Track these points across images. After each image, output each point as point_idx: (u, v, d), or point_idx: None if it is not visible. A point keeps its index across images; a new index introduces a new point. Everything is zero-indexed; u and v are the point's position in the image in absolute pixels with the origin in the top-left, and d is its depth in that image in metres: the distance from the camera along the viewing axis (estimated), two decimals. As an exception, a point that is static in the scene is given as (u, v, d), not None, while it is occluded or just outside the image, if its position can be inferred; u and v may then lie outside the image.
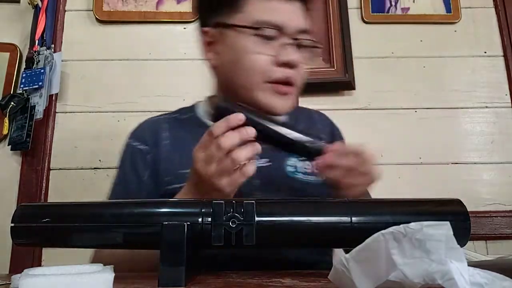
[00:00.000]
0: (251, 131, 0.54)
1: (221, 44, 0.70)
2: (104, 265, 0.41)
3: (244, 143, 0.54)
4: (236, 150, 0.53)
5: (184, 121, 0.78)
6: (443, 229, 0.27)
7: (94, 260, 0.69)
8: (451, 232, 0.27)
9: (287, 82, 0.67)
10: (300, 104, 1.29)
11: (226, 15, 0.68)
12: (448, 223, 0.27)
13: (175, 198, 0.60)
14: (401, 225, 0.28)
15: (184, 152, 0.71)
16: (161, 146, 0.73)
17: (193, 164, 0.57)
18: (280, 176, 0.72)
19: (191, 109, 0.81)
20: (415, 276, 0.27)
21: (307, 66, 0.70)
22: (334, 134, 0.82)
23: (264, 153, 0.69)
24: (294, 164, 0.74)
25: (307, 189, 0.72)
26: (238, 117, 0.54)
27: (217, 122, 0.54)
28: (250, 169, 0.54)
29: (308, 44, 0.69)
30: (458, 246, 0.26)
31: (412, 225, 0.28)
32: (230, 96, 0.71)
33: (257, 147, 0.55)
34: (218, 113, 0.56)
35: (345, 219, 0.45)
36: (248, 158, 0.53)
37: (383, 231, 0.29)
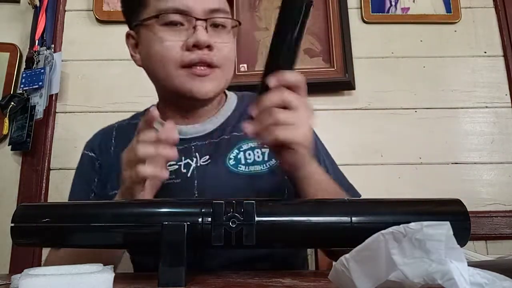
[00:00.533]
0: (171, 140, 0.54)
1: (140, 43, 0.71)
2: None
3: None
4: (142, 164, 0.53)
5: (134, 126, 0.77)
6: (443, 229, 0.27)
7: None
8: (451, 232, 0.27)
9: (203, 64, 0.65)
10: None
11: (139, 14, 0.69)
12: (448, 223, 0.27)
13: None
14: (401, 225, 0.28)
15: None
16: (107, 154, 0.75)
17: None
18: (219, 173, 0.70)
19: (144, 113, 0.80)
20: (415, 276, 0.27)
21: (228, 45, 0.69)
22: None
23: (204, 151, 0.71)
24: (236, 156, 0.71)
25: (253, 181, 0.69)
26: (152, 114, 0.55)
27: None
28: (147, 184, 0.55)
29: (221, 22, 0.67)
30: (458, 246, 0.26)
31: (412, 225, 0.28)
32: (161, 90, 0.73)
33: (170, 155, 0.55)
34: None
35: (345, 219, 0.45)
36: (152, 175, 0.53)
37: (383, 231, 0.29)
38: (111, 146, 0.76)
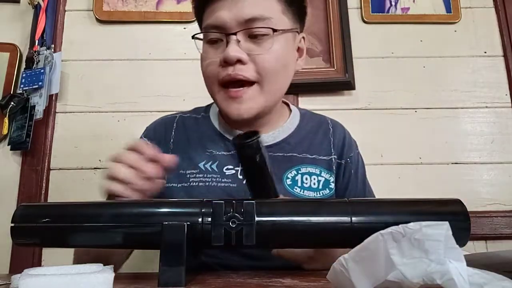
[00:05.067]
0: (149, 171, 0.54)
1: None
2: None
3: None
4: (113, 181, 0.54)
5: (196, 121, 0.79)
6: (442, 229, 0.27)
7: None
8: (450, 232, 0.27)
9: (236, 82, 0.64)
10: (300, 105, 1.29)
11: (200, 28, 0.71)
12: (447, 223, 0.27)
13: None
14: (400, 225, 0.28)
15: (187, 152, 0.73)
16: (165, 145, 0.74)
17: None
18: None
19: (206, 109, 0.82)
20: (414, 276, 0.27)
21: (267, 56, 0.65)
22: (344, 147, 0.79)
23: None
24: (293, 177, 0.72)
25: None
26: (148, 150, 0.55)
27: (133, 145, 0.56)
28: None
29: (259, 32, 0.64)
30: (457, 246, 0.26)
31: (411, 225, 0.28)
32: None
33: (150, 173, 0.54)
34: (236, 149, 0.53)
35: (345, 219, 0.45)
36: (118, 192, 0.54)
37: (382, 231, 0.29)
38: (170, 138, 0.76)
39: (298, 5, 0.70)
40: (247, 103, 0.65)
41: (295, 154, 0.73)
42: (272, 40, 0.65)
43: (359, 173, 0.79)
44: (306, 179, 0.71)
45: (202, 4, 0.68)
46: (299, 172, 0.72)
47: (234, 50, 0.62)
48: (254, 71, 0.64)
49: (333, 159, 0.75)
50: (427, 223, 0.27)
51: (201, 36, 0.69)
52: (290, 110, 0.80)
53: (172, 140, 0.76)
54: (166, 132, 0.77)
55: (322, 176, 0.73)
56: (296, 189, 0.71)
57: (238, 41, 0.63)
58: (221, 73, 0.64)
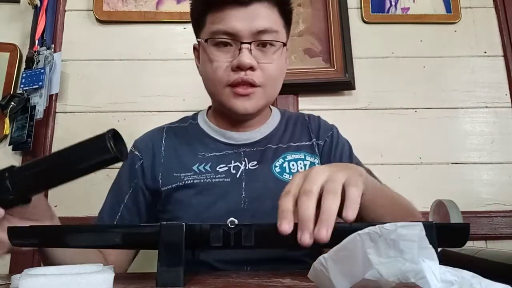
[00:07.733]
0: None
1: (200, 57, 0.79)
2: None
3: None
4: None
5: (184, 129, 0.86)
6: (415, 230, 0.28)
7: None
8: (424, 233, 0.28)
9: (245, 83, 0.71)
10: (300, 105, 1.29)
11: (199, 32, 0.77)
12: (420, 223, 0.28)
13: None
14: (377, 226, 0.29)
15: (179, 157, 0.79)
16: (157, 154, 0.80)
17: None
18: (266, 177, 0.76)
19: (193, 117, 0.88)
20: (390, 275, 0.28)
21: (272, 65, 0.73)
22: (319, 129, 0.85)
23: (252, 157, 0.78)
24: (281, 165, 0.78)
25: None
26: None
27: None
28: None
29: (268, 42, 0.72)
30: (430, 246, 0.27)
31: (387, 225, 0.29)
32: (214, 101, 0.81)
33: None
34: None
35: (344, 219, 0.45)
36: None
37: (359, 232, 0.30)
38: (161, 146, 0.82)
39: (290, 20, 0.79)
40: (253, 100, 0.73)
41: (280, 145, 0.81)
42: (277, 51, 0.74)
43: (339, 148, 0.83)
44: (293, 165, 0.79)
45: (207, 8, 0.73)
46: (286, 159, 0.79)
47: (248, 57, 0.70)
48: (261, 77, 0.72)
49: (313, 142, 0.83)
50: (402, 224, 0.28)
51: (204, 35, 0.75)
52: (270, 110, 0.89)
53: (163, 148, 0.81)
54: (154, 144, 0.82)
55: (307, 160, 0.80)
56: (285, 175, 0.77)
57: (250, 50, 0.71)
58: (232, 76, 0.71)
